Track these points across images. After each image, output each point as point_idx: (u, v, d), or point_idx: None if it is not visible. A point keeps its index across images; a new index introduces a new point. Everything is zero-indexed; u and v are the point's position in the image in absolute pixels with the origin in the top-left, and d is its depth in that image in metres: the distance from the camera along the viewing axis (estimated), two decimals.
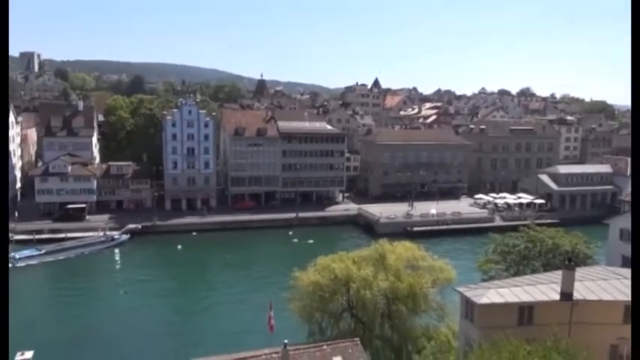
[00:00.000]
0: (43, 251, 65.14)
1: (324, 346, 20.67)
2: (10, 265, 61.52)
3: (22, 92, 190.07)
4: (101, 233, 75.02)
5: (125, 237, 76.24)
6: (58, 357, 37.83)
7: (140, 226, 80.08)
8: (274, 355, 18.98)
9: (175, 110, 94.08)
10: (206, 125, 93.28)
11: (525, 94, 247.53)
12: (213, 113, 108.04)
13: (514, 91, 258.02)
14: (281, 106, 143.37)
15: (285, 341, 18.24)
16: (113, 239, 74.30)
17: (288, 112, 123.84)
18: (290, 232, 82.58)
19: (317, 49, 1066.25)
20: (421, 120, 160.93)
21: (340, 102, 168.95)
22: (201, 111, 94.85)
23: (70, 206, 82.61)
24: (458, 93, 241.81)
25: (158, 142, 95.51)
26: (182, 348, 40.56)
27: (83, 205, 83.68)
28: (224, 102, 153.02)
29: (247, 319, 47.92)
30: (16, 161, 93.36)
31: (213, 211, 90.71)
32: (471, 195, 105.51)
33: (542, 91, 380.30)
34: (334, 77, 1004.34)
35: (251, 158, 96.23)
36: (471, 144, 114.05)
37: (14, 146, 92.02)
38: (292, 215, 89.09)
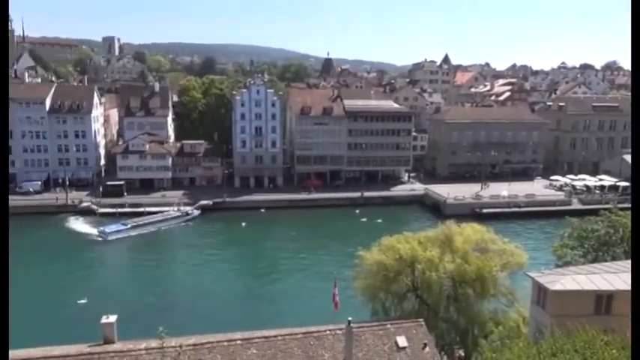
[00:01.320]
0: (128, 226, 69.82)
1: (388, 326, 20.70)
2: (100, 239, 66.85)
3: (105, 75, 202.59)
4: (176, 208, 79.17)
5: (197, 212, 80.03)
6: (138, 320, 40.79)
7: (211, 202, 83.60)
8: (338, 332, 19.28)
9: (244, 90, 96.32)
10: (273, 105, 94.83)
11: (611, 67, 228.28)
12: (280, 93, 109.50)
13: (598, 65, 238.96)
14: (347, 85, 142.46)
15: (349, 319, 18.44)
16: (187, 214, 78.29)
17: (354, 91, 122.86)
18: (357, 211, 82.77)
19: (384, 26, 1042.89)
20: (493, 97, 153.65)
21: (408, 80, 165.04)
22: (268, 90, 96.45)
23: (109, 183, 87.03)
24: (535, 68, 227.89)
25: (228, 122, 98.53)
26: (248, 319, 42.27)
27: (122, 183, 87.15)
28: (291, 81, 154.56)
29: (311, 296, 48.97)
30: (101, 140, 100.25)
31: (279, 189, 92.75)
32: (546, 176, 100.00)
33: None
34: (402, 54, 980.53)
35: (317, 137, 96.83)
36: (548, 122, 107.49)
37: (98, 125, 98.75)
38: (357, 194, 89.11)
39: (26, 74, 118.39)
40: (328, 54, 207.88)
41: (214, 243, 69.91)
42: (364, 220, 78.32)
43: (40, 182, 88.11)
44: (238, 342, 18.04)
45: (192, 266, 60.94)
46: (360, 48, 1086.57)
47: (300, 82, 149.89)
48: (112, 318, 18.32)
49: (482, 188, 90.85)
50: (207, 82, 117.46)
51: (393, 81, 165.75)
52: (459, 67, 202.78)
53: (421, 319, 21.97)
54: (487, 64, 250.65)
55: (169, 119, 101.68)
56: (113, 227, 68.60)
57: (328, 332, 19.44)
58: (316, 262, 60.67)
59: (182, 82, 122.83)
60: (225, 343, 17.82)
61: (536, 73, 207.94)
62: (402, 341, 19.64)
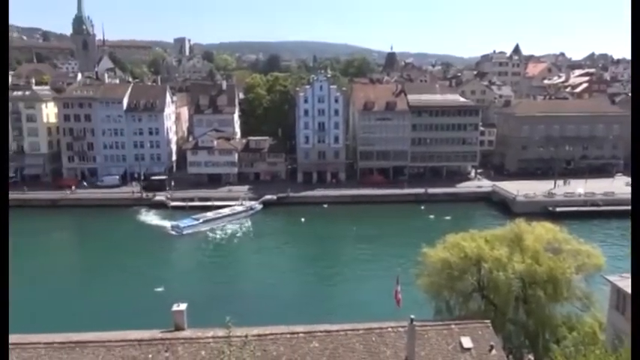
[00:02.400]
0: (200, 220, 72.77)
1: (452, 325, 20.19)
2: (174, 232, 70.16)
3: (176, 74, 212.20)
4: (241, 202, 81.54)
5: (259, 207, 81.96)
6: (206, 309, 42.51)
7: (275, 197, 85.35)
8: (400, 329, 19.05)
9: (307, 87, 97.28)
10: (336, 100, 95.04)
11: None
12: (344, 88, 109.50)
13: None
14: (411, 79, 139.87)
15: (412, 316, 18.16)
16: (251, 209, 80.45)
17: (418, 85, 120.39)
18: (422, 207, 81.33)
19: (449, 17, 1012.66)
20: (569, 89, 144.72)
21: (475, 72, 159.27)
22: (331, 86, 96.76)
23: (153, 178, 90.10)
24: (616, 57, 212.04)
25: (292, 118, 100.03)
26: (309, 313, 42.79)
27: (164, 178, 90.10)
28: (354, 76, 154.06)
29: (373, 292, 48.71)
30: (172, 136, 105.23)
31: (341, 185, 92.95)
32: (627, 173, 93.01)
33: None
34: (469, 46, 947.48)
35: (379, 132, 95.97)
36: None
37: (170, 123, 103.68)
38: (421, 190, 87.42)
39: (106, 75, 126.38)
40: (392, 48, 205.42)
41: (277, 237, 71.44)
42: (432, 217, 76.67)
43: (118, 176, 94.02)
44: (301, 335, 18.32)
45: (257, 259, 62.68)
46: (425, 41, 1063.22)
47: (363, 78, 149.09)
48: (183, 306, 19.22)
49: (555, 185, 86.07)
50: (271, 80, 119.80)
51: (459, 74, 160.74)
52: (530, 58, 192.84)
53: (488, 320, 21.22)
54: (562, 54, 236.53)
55: (236, 116, 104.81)
56: (186, 222, 71.79)
57: (390, 329, 19.27)
58: (378, 258, 60.29)
59: (248, 80, 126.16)
60: (288, 336, 18.17)
61: (617, 62, 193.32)
62: (466, 342, 19.08)
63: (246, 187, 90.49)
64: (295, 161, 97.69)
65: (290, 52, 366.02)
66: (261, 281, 54.57)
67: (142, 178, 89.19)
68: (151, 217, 79.29)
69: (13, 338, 17.99)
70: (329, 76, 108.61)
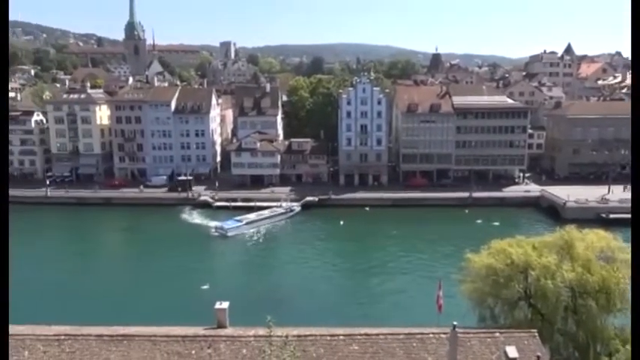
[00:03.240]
0: (243, 222, 74.06)
1: (497, 334, 19.58)
2: (218, 233, 71.59)
3: (222, 77, 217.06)
4: (282, 204, 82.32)
5: (298, 209, 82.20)
6: (246, 307, 43.21)
7: (317, 199, 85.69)
8: (442, 336, 18.67)
9: (350, 89, 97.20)
10: (379, 102, 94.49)
11: None
12: (387, 90, 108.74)
13: None
14: (456, 80, 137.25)
15: (455, 323, 17.76)
16: (291, 210, 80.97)
17: (463, 87, 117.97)
18: (466, 211, 79.55)
19: (497, 17, 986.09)
20: (625, 90, 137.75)
21: (524, 73, 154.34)
22: (374, 88, 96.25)
23: (179, 178, 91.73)
24: None
25: (334, 120, 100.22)
26: (349, 315, 42.65)
27: (190, 178, 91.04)
28: (397, 78, 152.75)
29: (413, 296, 48.04)
30: (217, 138, 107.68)
31: (383, 188, 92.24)
32: None
33: None
34: (517, 46, 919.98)
35: (423, 135, 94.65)
36: None
37: (215, 125, 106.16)
38: (465, 194, 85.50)
39: (155, 79, 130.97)
40: (437, 49, 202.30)
41: (317, 239, 71.66)
42: (478, 221, 74.76)
43: (165, 177, 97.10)
44: (341, 337, 18.28)
45: (297, 261, 63.05)
46: (471, 42, 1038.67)
47: (407, 79, 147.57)
48: (225, 304, 19.59)
49: (609, 191, 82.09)
50: (314, 82, 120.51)
51: (507, 75, 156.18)
52: (584, 58, 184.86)
53: (534, 330, 20.48)
54: (618, 54, 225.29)
55: (279, 118, 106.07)
56: (230, 223, 73.11)
57: (432, 335, 18.92)
58: (419, 263, 59.42)
59: (291, 83, 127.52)
60: (328, 337, 18.16)
61: None
62: (512, 351, 18.45)
63: (288, 189, 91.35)
64: (337, 163, 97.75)
65: (333, 54, 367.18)
66: (302, 282, 54.91)
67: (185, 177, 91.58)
68: (195, 217, 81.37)
69: (67, 329, 18.93)
70: (372, 78, 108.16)
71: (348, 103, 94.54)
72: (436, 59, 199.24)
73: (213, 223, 75.08)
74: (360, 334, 18.55)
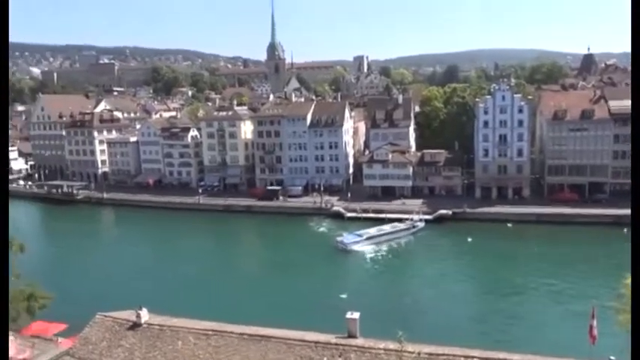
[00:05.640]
0: (364, 237, 73.69)
1: None
2: (340, 247, 72.46)
3: (355, 91, 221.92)
4: (415, 216, 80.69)
5: (422, 224, 79.17)
6: (377, 319, 43.07)
7: (450, 212, 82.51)
8: None
9: (488, 97, 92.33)
10: (520, 110, 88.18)
11: None
12: (529, 97, 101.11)
13: None
14: (613, 83, 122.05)
15: (612, 358, 15.64)
16: (414, 226, 78.34)
17: (622, 90, 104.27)
18: (625, 231, 70.04)
19: None
20: None
21: None
22: (515, 95, 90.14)
23: (268, 188, 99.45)
24: None
25: (469, 130, 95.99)
26: (484, 337, 40.04)
27: (278, 188, 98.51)
28: (542, 83, 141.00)
29: (560, 323, 43.53)
30: (350, 150, 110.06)
31: (525, 202, 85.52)
32: None
33: None
34: None
35: (573, 144, 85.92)
36: None
37: (348, 137, 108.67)
38: (624, 211, 75.12)
39: (293, 95, 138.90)
40: (589, 49, 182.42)
41: (446, 255, 68.85)
42: None
43: (300, 187, 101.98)
44: (476, 359, 17.23)
45: (424, 276, 61.41)
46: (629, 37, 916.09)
47: (553, 84, 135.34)
48: (356, 314, 19.76)
49: None
50: (448, 91, 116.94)
51: None
52: None
53: None
54: None
55: (411, 129, 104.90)
56: (350, 238, 73.58)
57: None
58: (566, 287, 53.66)
59: (424, 93, 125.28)
60: (462, 359, 17.25)
61: None
62: None
63: (420, 201, 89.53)
64: (472, 175, 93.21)
65: (469, 61, 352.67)
66: (431, 299, 53.32)
67: (322, 189, 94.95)
68: (325, 227, 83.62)
69: (213, 325, 20.77)
70: (512, 84, 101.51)
71: (486, 112, 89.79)
72: (588, 60, 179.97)
73: (339, 236, 75.38)
74: (499, 359, 17.29)
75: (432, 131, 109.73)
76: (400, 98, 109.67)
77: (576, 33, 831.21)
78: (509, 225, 77.40)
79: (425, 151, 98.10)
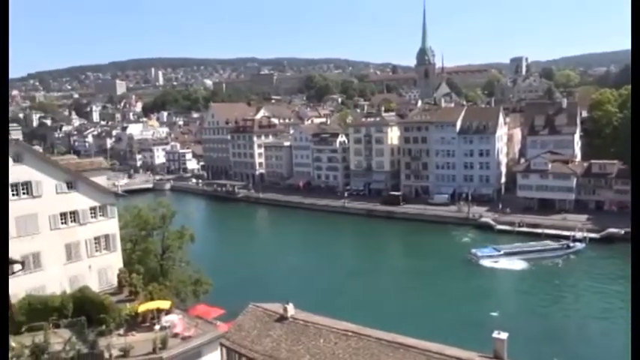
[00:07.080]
0: (501, 252, 68.21)
1: None
2: (472, 259, 67.70)
3: (511, 95, 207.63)
4: (578, 234, 72.38)
5: (581, 246, 70.09)
6: (526, 346, 39.46)
7: (622, 232, 72.00)
8: None
9: None
10: None
11: None
12: None
13: None
14: None
15: None
16: (568, 247, 69.64)
17: None
18: None
19: None
20: None
21: None
22: None
23: (390, 193, 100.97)
24: None
25: None
26: None
27: (399, 194, 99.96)
28: None
29: None
30: (502, 158, 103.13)
31: None
32: None
33: None
34: None
35: None
36: None
37: (501, 145, 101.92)
38: None
39: (442, 100, 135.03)
40: None
41: (607, 284, 59.19)
42: None
43: (447, 195, 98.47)
44: None
45: (580, 305, 54.44)
46: None
47: None
48: (504, 335, 18.34)
49: None
50: (625, 94, 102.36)
51: None
52: None
53: None
54: None
55: (576, 137, 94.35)
56: (485, 251, 68.63)
57: None
58: None
59: (593, 96, 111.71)
60: None
61: None
62: None
63: (584, 217, 79.92)
64: None
65: None
66: (588, 331, 47.20)
67: (470, 198, 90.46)
68: (469, 238, 79.03)
69: (353, 327, 21.11)
70: None
71: None
72: None
73: (470, 250, 70.43)
74: None
75: (603, 139, 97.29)
76: (564, 102, 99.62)
77: None
78: None
79: (593, 161, 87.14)
